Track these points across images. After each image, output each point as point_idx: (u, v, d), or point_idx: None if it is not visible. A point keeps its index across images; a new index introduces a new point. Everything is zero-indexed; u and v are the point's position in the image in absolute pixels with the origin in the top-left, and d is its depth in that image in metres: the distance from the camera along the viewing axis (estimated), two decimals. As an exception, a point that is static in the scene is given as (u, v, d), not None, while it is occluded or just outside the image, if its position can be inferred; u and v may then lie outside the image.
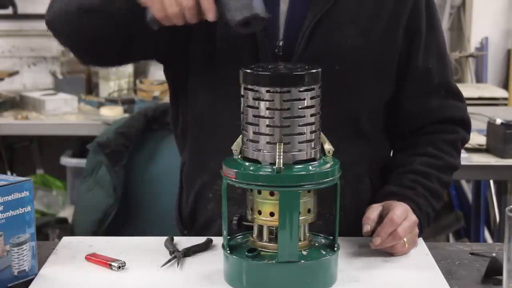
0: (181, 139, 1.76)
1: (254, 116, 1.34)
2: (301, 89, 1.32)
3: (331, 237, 1.43)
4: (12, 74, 4.18)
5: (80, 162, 3.58)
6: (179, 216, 1.79)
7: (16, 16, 4.20)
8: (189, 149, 1.75)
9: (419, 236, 1.59)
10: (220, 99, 1.65)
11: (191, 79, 1.69)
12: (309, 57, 1.56)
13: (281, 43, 1.60)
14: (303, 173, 1.33)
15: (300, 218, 1.34)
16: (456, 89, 1.74)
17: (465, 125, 1.77)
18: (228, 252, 1.39)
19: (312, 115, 1.34)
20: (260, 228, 1.40)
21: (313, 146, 1.35)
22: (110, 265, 1.46)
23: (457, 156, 1.74)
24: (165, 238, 1.60)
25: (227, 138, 1.63)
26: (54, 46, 4.29)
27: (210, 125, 1.68)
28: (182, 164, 1.80)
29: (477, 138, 3.04)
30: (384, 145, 1.73)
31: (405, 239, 1.51)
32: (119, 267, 1.46)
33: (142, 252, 1.55)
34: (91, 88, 4.07)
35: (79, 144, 3.79)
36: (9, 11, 4.17)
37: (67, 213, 3.70)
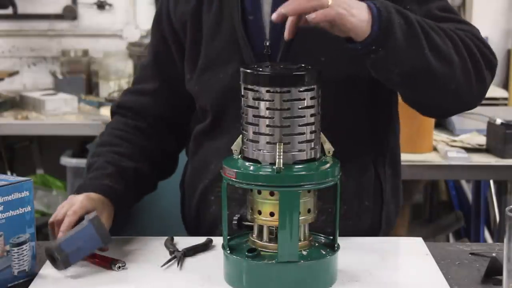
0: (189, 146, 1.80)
1: (254, 116, 1.34)
2: (301, 89, 1.32)
3: (331, 237, 1.43)
4: (12, 74, 4.18)
5: (80, 162, 3.58)
6: (184, 223, 1.81)
7: (16, 16, 4.20)
8: (192, 155, 1.76)
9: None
10: (218, 107, 1.68)
11: (196, 96, 1.74)
12: (294, 54, 1.58)
13: (267, 43, 1.61)
14: (303, 173, 1.33)
15: (300, 218, 1.34)
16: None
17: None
18: (228, 252, 1.39)
19: (312, 115, 1.34)
20: (260, 228, 1.39)
21: (313, 146, 1.35)
22: (111, 265, 1.46)
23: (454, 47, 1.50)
24: (165, 238, 1.60)
25: (228, 141, 1.65)
26: (54, 46, 4.30)
27: (212, 133, 1.70)
28: (183, 174, 1.81)
29: (477, 138, 3.04)
30: (389, 130, 1.72)
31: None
32: (119, 267, 1.46)
33: (142, 252, 1.55)
34: (91, 88, 4.07)
35: (79, 144, 3.79)
36: (9, 11, 4.17)
37: (67, 213, 3.69)
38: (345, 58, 1.52)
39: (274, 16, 1.35)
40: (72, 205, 1.54)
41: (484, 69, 1.53)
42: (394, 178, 1.73)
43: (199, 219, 1.74)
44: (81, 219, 1.52)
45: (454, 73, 1.48)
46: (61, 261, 1.41)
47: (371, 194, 1.67)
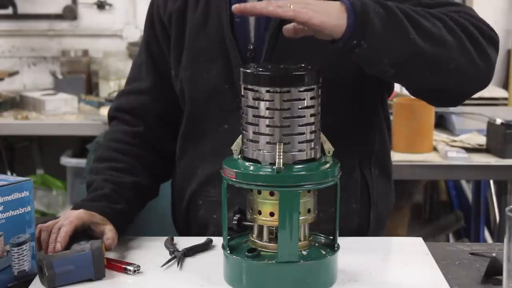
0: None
1: (254, 116, 1.34)
2: (301, 89, 1.32)
3: (331, 237, 1.43)
4: (12, 74, 4.18)
5: (80, 162, 3.59)
6: (175, 226, 1.81)
7: (16, 16, 4.20)
8: (178, 158, 1.76)
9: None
10: (200, 107, 1.68)
11: (180, 95, 1.74)
12: (277, 56, 1.58)
13: (251, 47, 1.62)
14: (303, 173, 1.33)
15: (300, 218, 1.34)
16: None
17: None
18: (228, 252, 1.39)
19: (312, 115, 1.34)
20: (260, 228, 1.39)
21: (313, 146, 1.35)
22: (125, 268, 1.45)
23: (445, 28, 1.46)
24: (165, 238, 1.60)
25: (212, 145, 1.65)
26: (54, 46, 4.30)
27: (194, 134, 1.70)
28: (172, 177, 1.81)
29: (477, 138, 3.04)
30: (375, 131, 1.70)
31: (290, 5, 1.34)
32: (135, 271, 1.44)
33: (142, 252, 1.55)
34: (91, 88, 4.07)
35: (79, 144, 3.79)
36: (9, 11, 4.17)
37: (67, 213, 3.70)
38: (328, 62, 1.50)
39: (235, 6, 1.35)
40: (68, 217, 1.53)
41: (486, 45, 1.50)
42: (382, 178, 1.72)
43: (189, 222, 1.74)
44: (78, 233, 1.51)
45: (449, 53, 1.44)
46: (47, 279, 1.38)
47: (358, 196, 1.66)
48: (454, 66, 1.46)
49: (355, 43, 1.37)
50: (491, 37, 1.52)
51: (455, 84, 1.51)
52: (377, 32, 1.38)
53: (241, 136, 1.38)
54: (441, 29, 1.44)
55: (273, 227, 1.37)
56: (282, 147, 1.32)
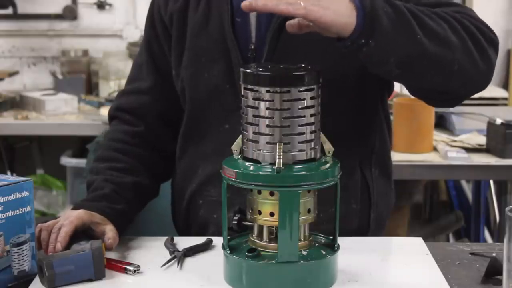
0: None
1: (254, 116, 1.34)
2: (301, 89, 1.32)
3: (331, 237, 1.43)
4: (12, 74, 4.18)
5: (80, 162, 3.59)
6: (175, 225, 1.81)
7: (16, 16, 4.21)
8: (178, 158, 1.76)
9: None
10: (201, 107, 1.68)
11: (181, 94, 1.74)
12: (278, 56, 1.58)
13: (252, 47, 1.62)
14: (303, 173, 1.33)
15: (300, 218, 1.34)
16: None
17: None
18: (228, 252, 1.39)
19: (312, 115, 1.34)
20: (260, 228, 1.39)
21: (313, 146, 1.35)
22: (125, 268, 1.45)
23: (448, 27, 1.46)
24: (165, 238, 1.60)
25: (213, 145, 1.65)
26: (54, 46, 4.30)
27: (195, 134, 1.70)
28: (173, 176, 1.81)
29: (477, 138, 3.04)
30: (376, 131, 1.70)
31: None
32: (135, 271, 1.44)
33: (142, 252, 1.55)
34: (91, 88, 4.07)
35: (79, 144, 3.79)
36: (9, 11, 4.18)
37: (67, 213, 3.70)
38: (329, 62, 1.50)
39: (244, 4, 1.33)
40: (68, 217, 1.54)
41: (487, 47, 1.50)
42: (382, 178, 1.72)
43: (189, 222, 1.75)
44: (78, 233, 1.52)
45: (453, 54, 1.45)
46: (47, 279, 1.38)
47: (358, 196, 1.66)
48: (457, 67, 1.46)
49: (363, 42, 1.37)
50: (491, 39, 1.53)
51: (457, 85, 1.51)
52: (386, 31, 1.37)
53: (241, 136, 1.38)
54: (446, 30, 1.44)
55: (273, 227, 1.37)
56: (282, 147, 1.32)
